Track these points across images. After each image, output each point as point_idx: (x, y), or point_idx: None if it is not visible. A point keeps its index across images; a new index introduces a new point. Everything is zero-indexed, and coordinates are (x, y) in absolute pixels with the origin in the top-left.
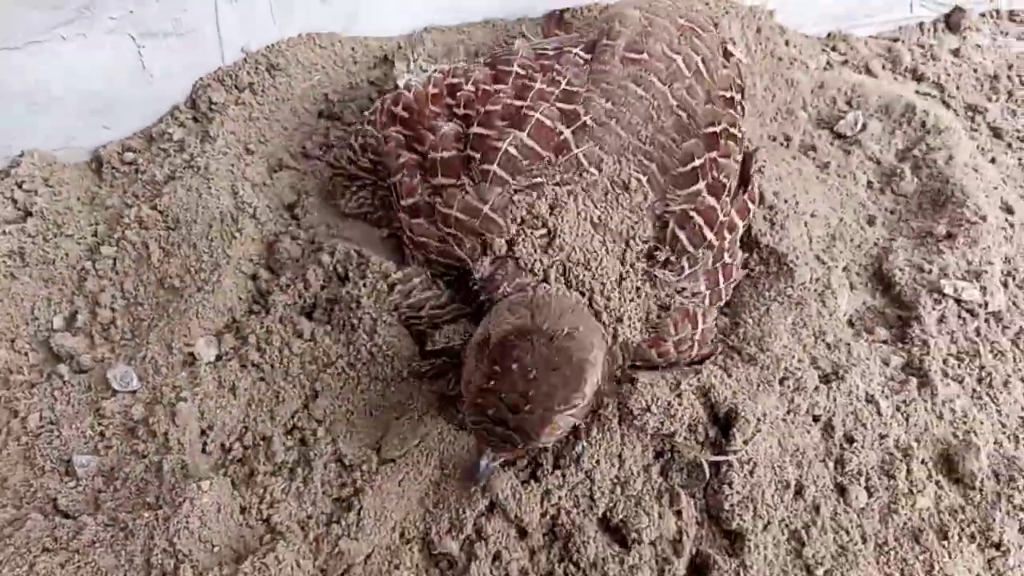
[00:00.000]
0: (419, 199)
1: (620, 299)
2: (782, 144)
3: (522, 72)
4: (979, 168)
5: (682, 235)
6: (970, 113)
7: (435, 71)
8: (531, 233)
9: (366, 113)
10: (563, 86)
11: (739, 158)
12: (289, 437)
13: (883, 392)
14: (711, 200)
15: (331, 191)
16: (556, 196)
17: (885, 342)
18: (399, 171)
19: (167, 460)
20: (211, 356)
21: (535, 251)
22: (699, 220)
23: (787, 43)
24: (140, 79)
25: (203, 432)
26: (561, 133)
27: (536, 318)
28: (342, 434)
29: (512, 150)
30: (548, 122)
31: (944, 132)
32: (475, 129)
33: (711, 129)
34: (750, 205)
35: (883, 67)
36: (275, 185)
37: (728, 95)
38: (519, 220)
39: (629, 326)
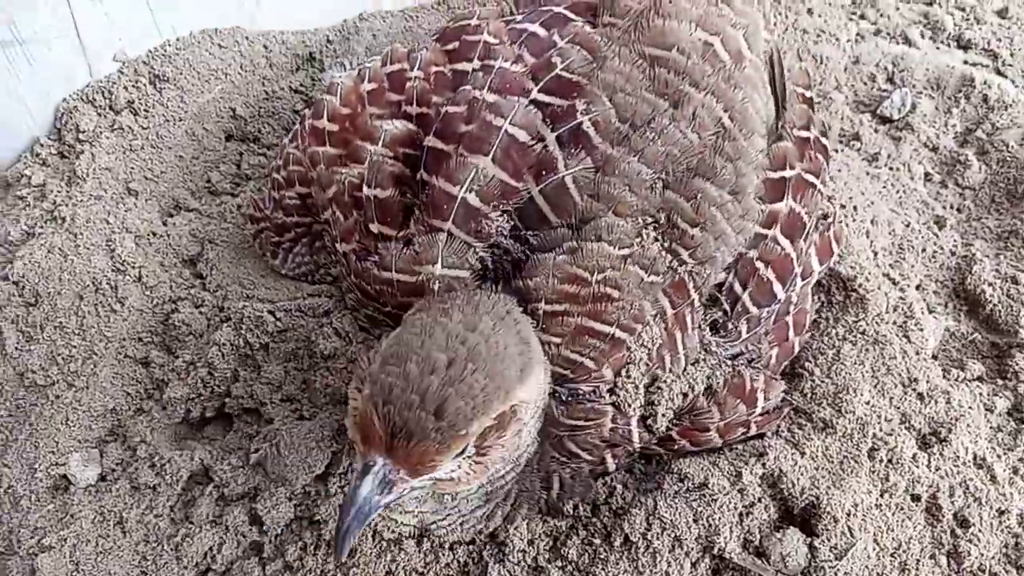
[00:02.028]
0: (358, 246)
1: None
2: None
3: (493, 42)
4: None
5: (744, 294)
6: None
7: (368, 62)
8: None
9: (285, 140)
10: (559, 69)
11: (826, 184)
12: None
13: (994, 451)
14: (785, 244)
15: (259, 249)
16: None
17: (980, 379)
18: (329, 206)
19: None
20: (90, 477)
21: None
22: (768, 274)
23: (810, 12)
24: None
25: None
26: (542, 139)
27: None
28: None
29: (471, 198)
30: (522, 135)
31: (1012, 107)
32: (430, 141)
33: (804, 133)
34: (834, 245)
35: (922, 35)
36: (169, 235)
37: (807, 94)
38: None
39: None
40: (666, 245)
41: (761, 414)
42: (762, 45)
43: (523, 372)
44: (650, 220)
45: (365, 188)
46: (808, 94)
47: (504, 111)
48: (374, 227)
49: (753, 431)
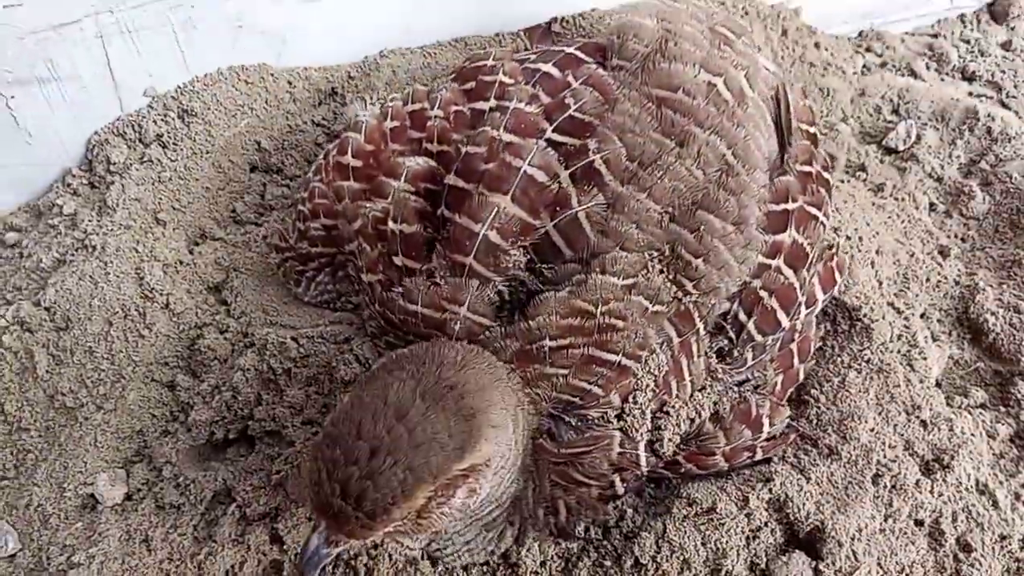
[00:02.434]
0: (383, 277)
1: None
2: None
3: (508, 82)
4: None
5: (750, 323)
6: None
7: (390, 100)
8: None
9: (310, 173)
10: (572, 110)
11: (828, 216)
12: None
13: (996, 477)
14: (788, 274)
15: (282, 277)
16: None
17: (984, 406)
18: (355, 238)
19: None
20: (116, 497)
21: None
22: (772, 303)
23: (817, 46)
24: (14, 138)
25: None
26: (557, 177)
27: (431, 361)
28: None
29: (492, 235)
30: (540, 175)
31: (1015, 139)
32: (451, 180)
33: (807, 168)
34: (837, 275)
35: (927, 67)
36: (196, 263)
37: (811, 130)
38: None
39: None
40: (671, 276)
41: (767, 439)
42: (764, 83)
43: (464, 447)
44: (656, 253)
45: (390, 223)
46: (812, 130)
47: (523, 153)
48: (398, 260)
49: (759, 456)
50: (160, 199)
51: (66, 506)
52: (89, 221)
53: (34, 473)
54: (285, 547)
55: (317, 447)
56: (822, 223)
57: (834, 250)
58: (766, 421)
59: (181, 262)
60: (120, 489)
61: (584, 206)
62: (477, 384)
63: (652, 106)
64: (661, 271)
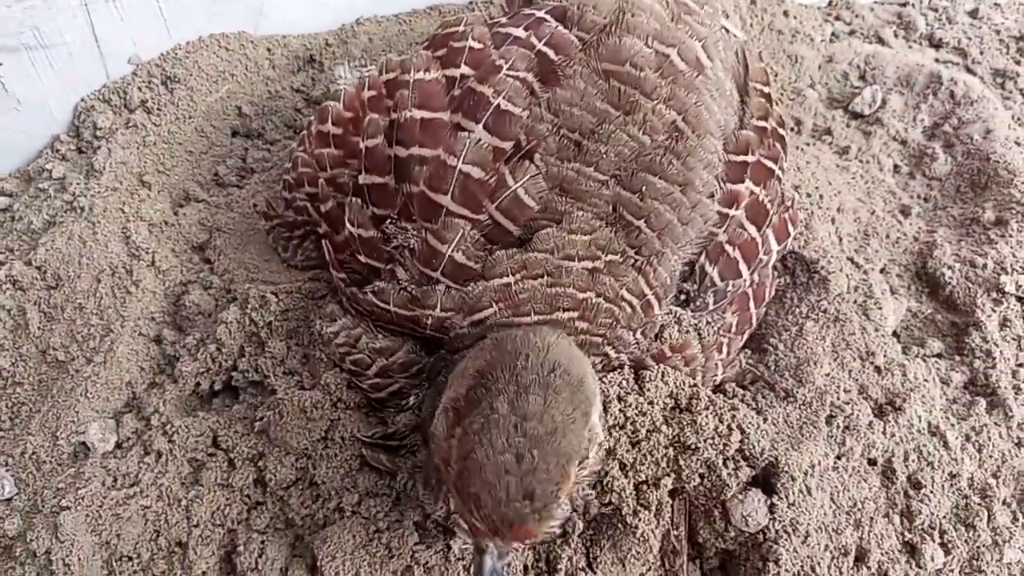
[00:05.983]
0: (346, 276)
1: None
2: (793, 130)
3: (477, 47)
4: (1021, 140)
5: (713, 271)
6: (999, 79)
7: (368, 71)
8: None
9: (294, 144)
10: (505, 70)
11: (783, 171)
12: (210, 542)
13: (948, 420)
14: (751, 230)
15: (272, 243)
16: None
17: (940, 356)
18: (321, 223)
19: None
20: (107, 445)
21: None
22: (736, 254)
23: (786, 14)
24: (4, 106)
25: (99, 544)
26: (495, 170)
27: (509, 350)
28: (279, 545)
29: (459, 257)
30: (476, 172)
31: (977, 103)
32: (365, 179)
33: (762, 123)
34: (790, 227)
35: (895, 35)
36: (180, 223)
37: (766, 89)
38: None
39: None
40: (619, 235)
41: (726, 361)
42: (728, 51)
43: (587, 411)
44: (602, 216)
45: (348, 226)
46: (766, 90)
47: (456, 149)
48: (362, 258)
49: (719, 375)
50: (145, 162)
51: (59, 453)
52: (77, 184)
53: (28, 424)
54: (268, 489)
55: (463, 480)
56: (778, 177)
57: (789, 203)
58: (725, 347)
59: (166, 222)
60: (111, 437)
61: (520, 182)
62: (565, 352)
63: (601, 81)
64: (609, 232)
